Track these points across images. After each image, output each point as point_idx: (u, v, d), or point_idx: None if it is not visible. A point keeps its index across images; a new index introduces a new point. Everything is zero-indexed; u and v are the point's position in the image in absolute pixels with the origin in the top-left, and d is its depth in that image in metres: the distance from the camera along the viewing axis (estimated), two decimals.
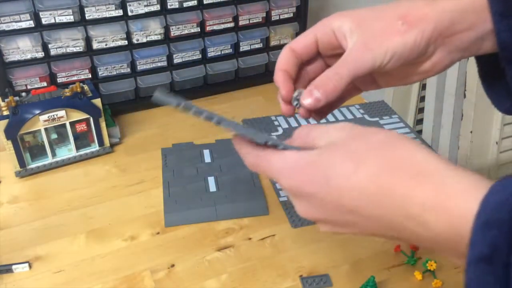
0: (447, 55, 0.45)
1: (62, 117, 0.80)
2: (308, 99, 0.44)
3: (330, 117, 0.95)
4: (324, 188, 0.36)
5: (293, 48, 0.48)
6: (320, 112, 0.50)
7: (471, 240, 0.29)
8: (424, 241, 0.33)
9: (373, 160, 0.34)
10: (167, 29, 0.95)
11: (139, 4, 0.91)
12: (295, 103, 0.48)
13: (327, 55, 0.49)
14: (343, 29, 0.44)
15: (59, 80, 0.91)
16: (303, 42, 0.47)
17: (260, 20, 1.02)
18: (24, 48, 0.87)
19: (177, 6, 0.94)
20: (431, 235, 0.32)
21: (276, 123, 0.94)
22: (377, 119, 0.94)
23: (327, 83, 0.43)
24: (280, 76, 0.47)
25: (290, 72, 0.48)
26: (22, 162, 0.80)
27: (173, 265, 0.66)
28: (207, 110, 0.42)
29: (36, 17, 0.85)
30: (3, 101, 0.78)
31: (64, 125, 0.82)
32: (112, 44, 0.92)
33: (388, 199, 0.33)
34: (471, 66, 1.07)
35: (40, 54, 0.88)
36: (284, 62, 0.48)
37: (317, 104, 0.44)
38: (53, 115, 0.79)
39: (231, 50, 1.03)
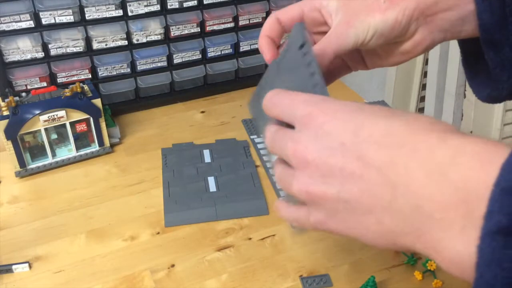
0: (428, 35, 0.45)
1: (62, 117, 0.80)
2: None
3: None
4: (347, 124, 0.34)
5: (279, 18, 0.48)
6: None
7: (487, 209, 0.26)
8: (432, 192, 0.29)
9: (405, 116, 0.33)
10: (167, 29, 0.95)
11: (139, 4, 0.91)
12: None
13: (312, 31, 0.49)
14: (329, 7, 0.45)
15: (59, 80, 0.91)
16: (290, 14, 0.48)
17: (260, 20, 1.02)
18: (24, 48, 0.87)
19: (177, 6, 0.94)
20: (443, 184, 0.29)
21: None
22: None
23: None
24: (264, 42, 0.48)
25: (274, 38, 0.48)
26: (22, 162, 0.80)
27: (173, 265, 0.66)
28: None
29: (36, 17, 0.85)
30: (3, 101, 0.78)
31: (64, 125, 0.82)
32: (112, 44, 0.92)
33: (420, 138, 0.31)
34: None
35: (40, 54, 0.88)
36: (268, 29, 0.48)
37: None
38: (53, 115, 0.79)
39: (231, 50, 1.03)
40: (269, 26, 0.48)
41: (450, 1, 0.43)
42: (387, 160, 0.31)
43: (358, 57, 0.51)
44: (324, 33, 0.46)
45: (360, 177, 0.32)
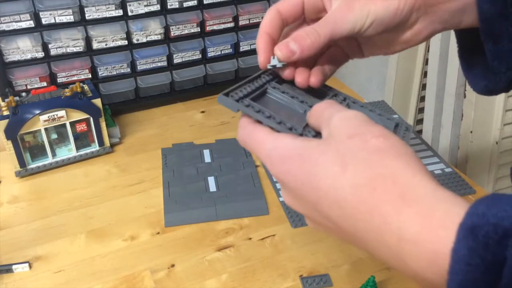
0: (428, 25, 0.45)
1: (62, 117, 0.80)
2: (283, 50, 0.43)
3: None
4: (305, 187, 0.34)
5: (279, 10, 0.46)
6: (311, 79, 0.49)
7: None
8: (400, 270, 0.30)
9: (361, 169, 0.31)
10: (167, 29, 0.95)
11: (139, 4, 0.91)
12: (268, 66, 0.46)
13: (312, 19, 0.48)
14: None
15: (59, 80, 0.91)
16: (291, 4, 0.46)
17: (260, 20, 1.02)
18: (24, 48, 0.87)
19: (177, 6, 0.94)
20: (406, 268, 0.29)
21: None
22: None
23: (305, 38, 0.43)
24: (263, 41, 0.47)
25: (274, 36, 0.46)
26: (22, 162, 0.80)
27: (173, 265, 0.66)
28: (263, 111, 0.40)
29: (36, 17, 0.85)
30: (3, 101, 0.78)
31: (64, 125, 0.82)
32: (112, 44, 0.92)
33: (364, 217, 0.30)
34: None
35: (40, 54, 0.88)
36: (269, 24, 0.46)
37: (291, 56, 0.43)
38: (53, 115, 0.79)
39: (231, 50, 1.03)
40: (270, 21, 0.46)
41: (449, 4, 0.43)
42: (350, 228, 0.32)
43: (355, 45, 0.50)
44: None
45: (326, 228, 0.35)
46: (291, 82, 0.46)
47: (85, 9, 0.87)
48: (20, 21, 0.84)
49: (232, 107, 0.40)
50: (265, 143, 0.37)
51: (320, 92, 0.48)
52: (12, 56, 0.86)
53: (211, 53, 1.01)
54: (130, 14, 0.91)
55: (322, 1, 0.46)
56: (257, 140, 0.38)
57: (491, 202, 0.27)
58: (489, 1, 0.41)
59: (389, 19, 0.43)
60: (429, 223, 0.28)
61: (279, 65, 0.45)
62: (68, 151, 0.85)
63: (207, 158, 0.85)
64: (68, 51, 0.90)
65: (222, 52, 1.02)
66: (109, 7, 0.89)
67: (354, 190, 0.31)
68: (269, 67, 0.46)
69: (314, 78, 0.46)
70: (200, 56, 1.01)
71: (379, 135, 0.33)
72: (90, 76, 0.93)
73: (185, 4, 0.94)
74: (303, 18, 0.48)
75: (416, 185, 0.30)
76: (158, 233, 0.71)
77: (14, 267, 0.65)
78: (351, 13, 0.42)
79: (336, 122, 0.35)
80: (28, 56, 0.87)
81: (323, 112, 0.37)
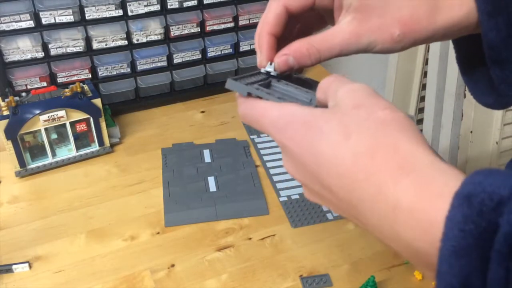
0: (431, 42, 0.46)
1: (62, 117, 0.80)
2: (281, 64, 0.43)
3: None
4: (307, 153, 0.34)
5: (286, 6, 0.43)
6: None
7: (437, 270, 0.26)
8: (392, 241, 0.30)
9: (364, 139, 0.31)
10: (167, 29, 0.95)
11: (139, 4, 0.91)
12: (262, 70, 0.45)
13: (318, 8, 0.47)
14: (346, 2, 0.42)
15: (59, 80, 0.91)
16: (301, 2, 0.44)
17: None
18: (24, 48, 0.87)
19: (177, 6, 0.94)
20: (398, 239, 0.29)
21: None
22: None
23: (305, 58, 0.42)
24: (266, 42, 0.44)
25: (278, 35, 0.44)
26: (22, 162, 0.80)
27: (173, 265, 0.66)
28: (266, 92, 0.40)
29: (36, 17, 0.85)
30: (3, 101, 0.78)
31: (64, 125, 0.82)
32: (112, 44, 0.92)
33: (361, 185, 0.31)
34: None
35: (40, 54, 0.88)
36: (274, 23, 0.44)
37: (288, 70, 0.43)
38: (53, 115, 0.79)
39: (231, 50, 1.03)
40: (275, 19, 0.44)
41: (458, 33, 0.43)
42: (346, 196, 0.32)
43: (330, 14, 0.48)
44: (320, 16, 0.46)
45: (326, 201, 0.36)
46: (293, 77, 0.46)
47: (85, 9, 0.87)
48: (20, 21, 0.84)
49: (242, 90, 0.39)
50: (271, 110, 0.37)
51: None
52: (12, 56, 0.86)
53: (211, 53, 1.01)
54: (130, 14, 0.91)
55: (334, 3, 0.44)
56: (262, 109, 0.38)
57: (488, 173, 0.27)
58: (496, 29, 0.41)
59: (391, 52, 0.44)
60: (425, 193, 0.28)
61: (273, 73, 0.44)
62: (68, 151, 0.85)
63: (207, 158, 0.85)
64: (68, 51, 0.90)
65: (222, 52, 1.02)
66: (109, 7, 0.89)
67: (354, 158, 0.31)
68: (263, 71, 0.45)
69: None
70: (200, 56, 1.01)
71: (385, 108, 0.33)
72: (90, 76, 0.93)
73: (185, 4, 0.94)
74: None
75: (416, 156, 0.30)
76: (158, 233, 0.71)
77: (14, 267, 0.65)
78: (358, 41, 0.42)
79: (343, 94, 0.35)
80: (28, 56, 0.87)
81: (330, 85, 0.37)
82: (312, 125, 0.34)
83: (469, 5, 0.41)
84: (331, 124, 0.33)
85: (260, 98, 0.39)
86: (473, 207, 0.26)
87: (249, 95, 0.40)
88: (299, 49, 0.42)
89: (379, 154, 0.30)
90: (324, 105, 0.37)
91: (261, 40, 0.44)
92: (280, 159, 0.83)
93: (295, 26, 0.48)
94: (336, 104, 0.35)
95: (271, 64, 0.44)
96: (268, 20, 0.44)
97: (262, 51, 0.44)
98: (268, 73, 0.44)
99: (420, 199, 0.28)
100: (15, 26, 0.84)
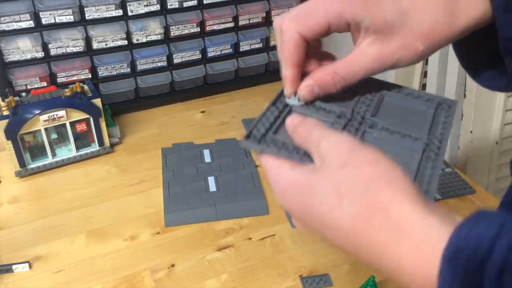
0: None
1: (62, 117, 0.80)
2: (307, 94, 0.43)
3: None
4: (308, 216, 0.36)
5: (304, 36, 0.42)
6: None
7: None
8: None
9: (357, 200, 0.33)
10: (167, 29, 0.95)
11: (139, 4, 0.91)
12: (288, 102, 0.44)
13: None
14: (360, 24, 0.41)
15: (59, 80, 0.91)
16: (317, 30, 0.42)
17: (260, 20, 1.02)
18: (24, 48, 0.87)
19: (177, 6, 0.94)
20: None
21: None
22: None
23: (330, 85, 0.42)
24: (292, 74, 0.43)
25: (301, 65, 0.43)
26: (22, 162, 0.80)
27: (173, 265, 0.66)
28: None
29: (36, 17, 0.85)
30: (3, 101, 0.78)
31: (64, 125, 0.82)
32: (112, 44, 0.92)
33: (365, 246, 0.33)
34: None
35: (40, 54, 0.88)
36: (295, 54, 0.42)
37: (313, 98, 0.43)
38: (53, 115, 0.79)
39: (231, 50, 1.03)
40: (297, 50, 0.42)
41: (472, 29, 0.42)
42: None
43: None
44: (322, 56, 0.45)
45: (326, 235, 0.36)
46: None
47: (85, 9, 0.87)
48: (20, 21, 0.84)
49: (256, 150, 0.40)
50: (270, 172, 0.39)
51: (351, 92, 0.46)
52: (12, 56, 0.86)
53: (211, 53, 1.01)
54: (130, 14, 0.91)
55: (350, 27, 0.42)
56: (265, 167, 0.40)
57: (474, 222, 0.29)
58: (510, 22, 0.40)
59: (413, 64, 0.43)
60: (421, 254, 0.30)
61: (297, 104, 0.44)
62: (68, 151, 0.85)
63: (207, 158, 0.85)
64: (68, 51, 0.90)
65: (222, 52, 1.02)
66: (109, 7, 0.89)
67: (352, 222, 0.33)
68: (288, 102, 0.44)
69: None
70: (200, 56, 1.01)
71: (370, 162, 0.34)
72: (90, 76, 0.93)
73: (185, 4, 0.94)
74: None
75: (407, 216, 0.31)
76: (158, 233, 0.71)
77: (14, 267, 0.65)
78: (381, 63, 0.42)
79: (326, 149, 0.36)
80: (28, 56, 0.87)
81: (310, 135, 0.38)
82: (305, 189, 0.36)
83: (484, 3, 0.41)
84: (323, 188, 0.35)
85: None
86: (459, 265, 0.28)
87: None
88: (324, 78, 0.43)
89: (374, 219, 0.32)
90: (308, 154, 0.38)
91: (288, 73, 0.43)
92: None
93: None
94: (322, 161, 0.36)
95: (295, 96, 0.44)
96: (291, 52, 0.42)
97: (288, 80, 0.44)
98: (286, 105, 0.44)
99: (417, 261, 0.30)
100: (15, 26, 0.84)
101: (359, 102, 0.45)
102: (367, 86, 0.47)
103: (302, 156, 0.38)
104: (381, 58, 0.42)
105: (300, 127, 0.39)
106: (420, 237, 0.31)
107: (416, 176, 0.38)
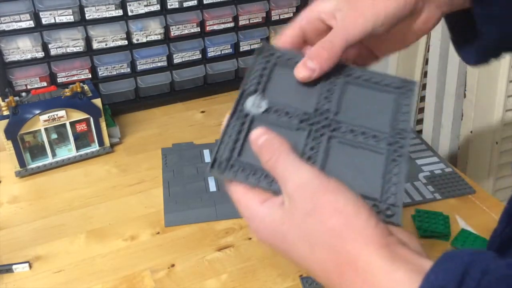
0: (436, 10, 0.45)
1: (62, 117, 0.80)
2: (302, 71, 0.43)
3: None
4: (285, 255, 0.38)
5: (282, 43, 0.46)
6: None
7: None
8: None
9: (326, 253, 0.34)
10: (167, 29, 0.95)
11: (139, 4, 0.91)
12: (246, 111, 0.42)
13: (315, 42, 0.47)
14: (331, 9, 0.44)
15: (59, 80, 0.91)
16: (291, 38, 0.46)
17: (260, 20, 1.02)
18: (24, 48, 0.87)
19: (177, 6, 0.94)
20: None
21: None
22: None
23: (321, 53, 0.42)
24: (291, 32, 0.46)
25: (303, 36, 0.46)
26: (22, 162, 0.80)
27: (173, 265, 0.66)
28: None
29: (36, 17, 0.85)
30: (3, 101, 0.78)
31: (64, 125, 0.82)
32: (112, 44, 0.92)
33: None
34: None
35: (40, 54, 0.88)
36: (303, 25, 0.46)
37: (312, 74, 0.43)
38: (53, 115, 0.79)
39: (231, 50, 1.03)
40: (305, 23, 0.46)
41: None
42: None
43: (365, 52, 0.49)
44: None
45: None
46: (281, 83, 0.44)
47: (85, 9, 0.87)
48: (20, 21, 0.84)
49: (222, 178, 0.40)
50: (240, 207, 0.41)
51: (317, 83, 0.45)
52: (12, 56, 0.86)
53: (211, 53, 1.01)
54: (130, 14, 0.91)
55: (325, 21, 0.44)
56: (234, 200, 0.41)
57: (441, 267, 0.30)
58: None
59: (398, 13, 0.43)
60: None
61: (258, 112, 0.42)
62: (68, 151, 0.85)
63: (207, 158, 0.85)
64: (68, 51, 0.90)
65: (222, 52, 1.02)
66: (109, 7, 0.89)
67: (325, 274, 0.35)
68: (248, 111, 0.43)
69: None
70: (200, 56, 1.01)
71: (333, 213, 0.34)
72: (90, 76, 0.93)
73: (185, 4, 0.94)
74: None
75: (374, 267, 0.32)
76: (158, 233, 0.71)
77: (14, 267, 0.65)
78: (361, 16, 0.42)
79: (292, 191, 0.36)
80: (28, 56, 0.87)
81: (275, 165, 0.37)
82: (278, 233, 0.37)
83: None
84: (294, 234, 0.36)
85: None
86: None
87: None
88: (313, 50, 0.43)
89: (345, 273, 0.33)
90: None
91: (285, 31, 0.46)
92: None
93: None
94: (290, 203, 0.36)
95: (253, 104, 0.43)
96: (282, 35, 0.46)
97: (280, 38, 0.46)
98: (246, 115, 0.42)
99: None
100: (15, 26, 0.84)
101: (321, 96, 0.43)
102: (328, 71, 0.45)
103: (271, 182, 0.38)
104: (356, 8, 0.42)
105: (265, 150, 0.38)
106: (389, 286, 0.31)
107: (382, 191, 0.38)
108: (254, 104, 0.42)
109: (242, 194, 0.40)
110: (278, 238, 0.37)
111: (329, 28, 0.44)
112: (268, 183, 0.38)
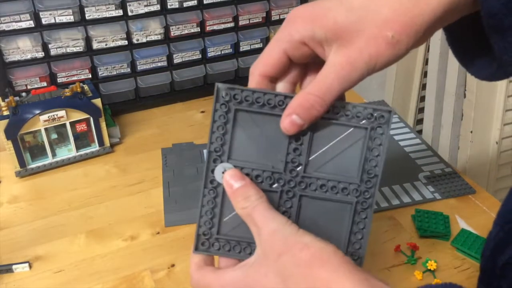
0: (433, 32, 0.41)
1: (62, 117, 0.80)
2: (289, 127, 0.40)
3: None
4: None
5: (263, 74, 0.42)
6: None
7: None
8: None
9: (300, 283, 0.36)
10: (167, 29, 0.95)
11: (139, 4, 0.91)
12: (218, 179, 0.42)
13: (301, 63, 0.43)
14: (317, 38, 0.39)
15: (59, 80, 0.91)
16: (272, 63, 0.41)
17: (260, 20, 1.02)
18: (24, 48, 0.87)
19: (177, 6, 0.94)
20: None
21: None
22: None
23: (311, 110, 0.39)
24: (254, 82, 0.43)
25: (271, 77, 0.43)
26: (22, 162, 0.80)
27: (173, 265, 0.66)
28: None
29: (36, 17, 0.85)
30: (3, 101, 0.78)
31: (64, 125, 0.82)
32: (112, 44, 0.92)
33: None
34: None
35: (40, 54, 0.88)
36: (268, 64, 0.42)
37: (299, 129, 0.40)
38: (53, 115, 0.79)
39: (231, 50, 1.03)
40: (271, 61, 0.42)
41: (457, 10, 0.39)
42: None
43: None
44: (317, 64, 0.41)
45: None
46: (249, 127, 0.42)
47: (85, 9, 0.87)
48: (20, 21, 0.84)
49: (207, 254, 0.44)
50: (213, 281, 0.42)
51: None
52: (12, 56, 0.86)
53: (211, 53, 1.01)
54: (130, 14, 0.91)
55: (310, 47, 0.40)
56: (207, 279, 0.42)
57: None
58: None
59: (395, 59, 0.39)
60: None
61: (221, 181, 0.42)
62: (68, 151, 0.85)
63: None
64: (68, 51, 0.90)
65: (222, 52, 1.02)
66: (109, 7, 0.89)
67: None
68: (217, 181, 0.43)
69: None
70: (200, 56, 1.01)
71: (302, 248, 0.37)
72: (90, 76, 0.93)
73: (185, 4, 0.94)
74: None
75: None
76: (158, 233, 0.71)
77: (14, 267, 0.65)
78: (356, 69, 0.38)
79: (265, 240, 0.39)
80: (28, 56, 0.87)
81: (251, 215, 0.40)
82: (253, 284, 0.39)
83: None
84: (268, 278, 0.38)
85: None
86: None
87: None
88: (301, 103, 0.39)
89: None
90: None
91: (251, 78, 0.43)
92: None
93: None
94: (263, 252, 0.39)
95: (222, 173, 0.42)
96: (263, 60, 0.42)
97: (250, 80, 0.43)
98: (218, 185, 0.43)
99: None
100: (15, 26, 0.84)
101: (290, 146, 0.41)
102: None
103: (245, 248, 0.42)
104: (349, 61, 0.38)
105: (241, 198, 0.40)
106: None
107: (347, 246, 0.42)
108: (223, 173, 0.42)
109: (209, 271, 0.43)
110: (254, 281, 0.39)
111: (314, 54, 0.41)
112: (245, 255, 0.43)
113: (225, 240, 0.43)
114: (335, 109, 0.41)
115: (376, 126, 0.41)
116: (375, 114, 0.41)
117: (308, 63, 0.43)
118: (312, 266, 0.36)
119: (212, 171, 0.43)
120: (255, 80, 0.43)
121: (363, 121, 0.41)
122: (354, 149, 0.41)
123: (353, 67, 0.38)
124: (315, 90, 0.39)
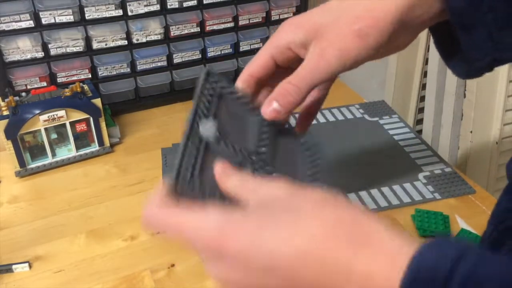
0: (410, 33, 0.44)
1: (62, 117, 0.80)
2: (269, 112, 0.43)
3: (330, 117, 0.95)
4: (254, 247, 0.32)
5: (251, 73, 0.46)
6: (305, 119, 0.51)
7: None
8: None
9: (315, 219, 0.32)
10: (167, 29, 0.95)
11: (139, 4, 0.91)
12: (200, 135, 0.43)
13: (290, 67, 0.46)
14: (299, 41, 0.43)
15: (59, 80, 0.91)
16: (260, 64, 0.45)
17: (260, 20, 1.02)
18: (24, 48, 0.87)
19: (177, 6, 0.94)
20: None
21: None
22: (377, 119, 0.94)
23: (287, 96, 0.42)
24: (242, 79, 0.46)
25: (258, 78, 0.46)
26: (22, 162, 0.80)
27: (173, 265, 0.66)
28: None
29: (36, 17, 0.85)
30: (3, 101, 0.78)
31: (64, 125, 0.82)
32: (112, 44, 0.92)
33: (330, 264, 0.30)
34: None
35: (40, 54, 0.88)
36: (257, 66, 0.46)
37: (278, 115, 0.43)
38: (53, 115, 0.79)
39: (231, 50, 1.03)
40: (259, 64, 0.46)
41: (426, 4, 0.41)
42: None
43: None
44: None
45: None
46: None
47: (85, 9, 0.87)
48: (20, 21, 0.84)
49: (183, 192, 0.40)
50: (191, 219, 0.36)
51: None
52: (12, 56, 0.86)
53: (211, 53, 1.01)
54: (130, 14, 0.91)
55: (294, 51, 0.44)
56: (182, 218, 0.38)
57: (436, 245, 0.29)
58: None
59: (368, 55, 0.42)
60: (393, 264, 0.29)
61: (210, 138, 0.42)
62: (68, 151, 0.85)
63: None
64: (68, 51, 0.90)
65: (222, 52, 1.02)
66: (109, 7, 0.89)
67: (315, 242, 0.31)
68: (200, 134, 0.43)
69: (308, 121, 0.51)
70: (200, 56, 1.01)
71: (313, 191, 0.34)
72: (90, 76, 0.93)
73: (185, 4, 0.94)
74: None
75: (375, 227, 0.31)
76: (158, 232, 0.71)
77: (14, 267, 0.65)
78: (326, 61, 0.42)
79: (268, 189, 0.35)
80: (28, 56, 0.87)
81: (246, 185, 0.37)
82: (250, 220, 0.33)
83: None
84: (276, 214, 0.33)
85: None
86: (421, 284, 0.28)
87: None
88: (279, 91, 0.43)
89: (338, 231, 0.31)
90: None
91: (240, 76, 0.46)
92: None
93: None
94: (264, 201, 0.34)
95: (209, 130, 0.42)
96: (252, 62, 0.46)
97: (238, 83, 0.46)
98: (201, 139, 0.43)
99: (375, 270, 0.29)
100: (15, 26, 0.84)
101: (259, 139, 0.43)
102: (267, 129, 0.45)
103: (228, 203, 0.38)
104: (321, 53, 0.42)
105: (233, 177, 0.38)
106: (385, 248, 0.30)
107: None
108: (209, 129, 0.43)
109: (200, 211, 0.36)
110: (243, 227, 0.33)
111: (298, 57, 0.44)
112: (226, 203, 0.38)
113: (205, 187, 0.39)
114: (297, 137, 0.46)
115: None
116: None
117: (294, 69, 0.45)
118: (329, 203, 0.33)
119: (198, 124, 0.43)
120: (243, 77, 0.46)
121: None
122: (300, 159, 0.45)
123: (323, 59, 0.42)
124: (291, 79, 0.43)
